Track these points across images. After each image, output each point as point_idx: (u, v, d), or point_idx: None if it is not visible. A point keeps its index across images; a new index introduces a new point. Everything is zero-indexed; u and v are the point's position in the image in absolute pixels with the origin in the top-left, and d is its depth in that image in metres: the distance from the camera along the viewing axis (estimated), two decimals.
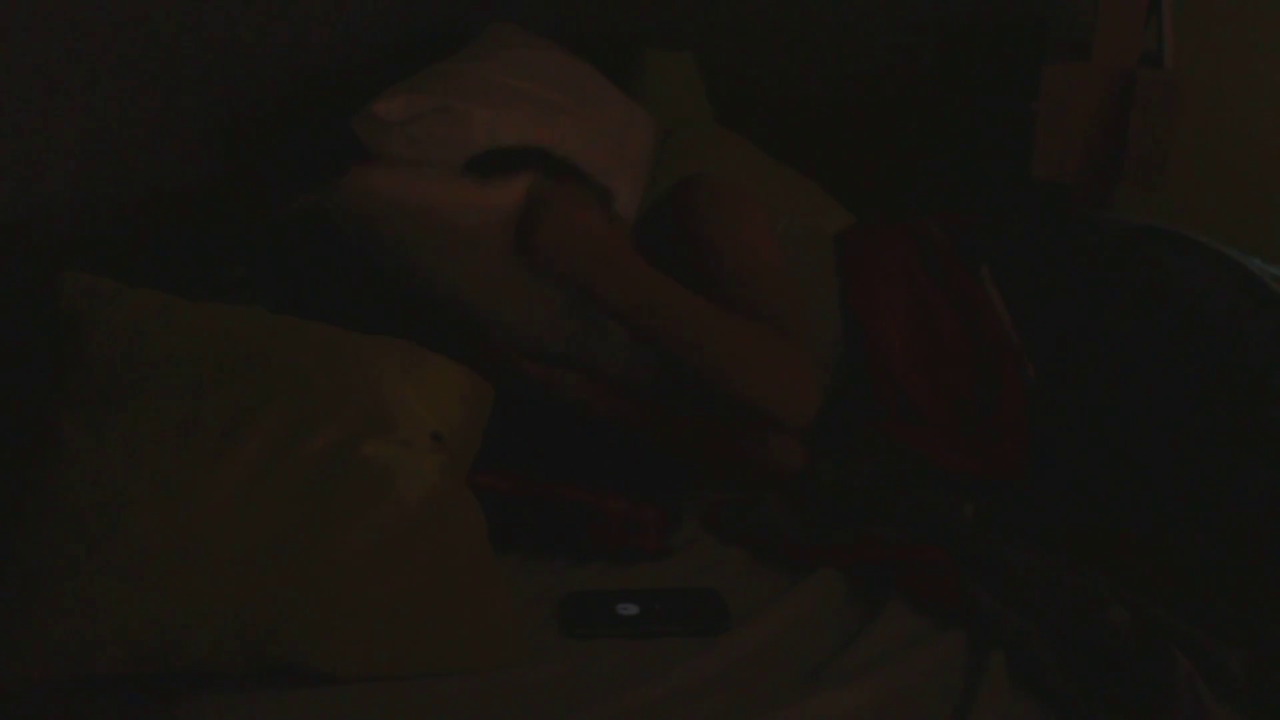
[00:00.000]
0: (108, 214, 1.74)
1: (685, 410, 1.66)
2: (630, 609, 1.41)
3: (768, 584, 1.48)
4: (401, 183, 1.63)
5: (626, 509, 1.55)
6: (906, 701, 1.29)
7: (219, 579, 1.28)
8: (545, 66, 2.26)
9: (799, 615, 1.42)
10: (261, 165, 2.02)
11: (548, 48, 2.33)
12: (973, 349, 1.67)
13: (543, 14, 2.58)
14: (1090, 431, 1.61)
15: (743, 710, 1.26)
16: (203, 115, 1.92)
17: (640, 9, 2.71)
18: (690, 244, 1.69)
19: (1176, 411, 1.57)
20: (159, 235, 1.82)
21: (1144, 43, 2.24)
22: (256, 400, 1.36)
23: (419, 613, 1.31)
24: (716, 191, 1.74)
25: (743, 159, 2.38)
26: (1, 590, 1.29)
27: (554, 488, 1.58)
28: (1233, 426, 1.53)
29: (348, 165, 1.78)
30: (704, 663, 1.33)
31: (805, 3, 2.66)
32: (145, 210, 1.81)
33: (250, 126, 2.03)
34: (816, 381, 1.60)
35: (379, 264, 1.64)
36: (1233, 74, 2.47)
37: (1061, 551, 1.51)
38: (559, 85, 2.23)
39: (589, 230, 1.59)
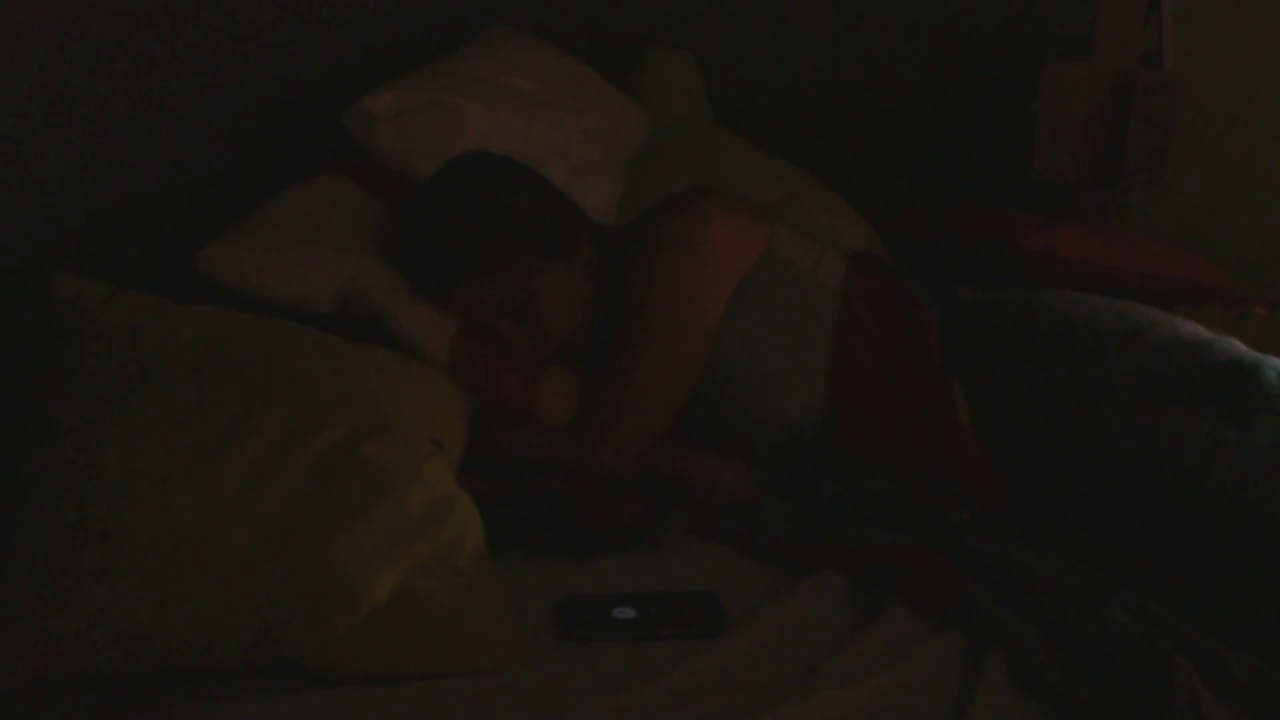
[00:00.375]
0: (101, 219, 1.73)
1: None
2: (627, 612, 1.41)
3: (765, 585, 1.48)
4: (250, 258, 1.63)
5: (608, 494, 1.56)
6: (905, 702, 1.29)
7: (219, 578, 1.28)
8: (541, 65, 2.26)
9: (797, 616, 1.42)
10: (257, 166, 2.02)
11: (544, 48, 2.33)
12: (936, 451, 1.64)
13: (542, 14, 2.58)
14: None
15: (740, 712, 1.25)
16: (198, 119, 1.92)
17: (640, 9, 2.71)
18: (638, 255, 1.68)
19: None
20: (152, 241, 1.81)
21: (1144, 43, 2.24)
22: (257, 401, 1.36)
23: (417, 614, 1.31)
24: (698, 215, 1.69)
25: (742, 159, 2.38)
26: (1, 588, 1.29)
27: (536, 482, 1.58)
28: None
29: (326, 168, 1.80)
30: (701, 664, 1.33)
31: (805, 2, 2.65)
32: (140, 214, 1.80)
33: (247, 129, 2.03)
34: (631, 443, 1.64)
35: None
36: (1233, 74, 2.47)
37: (1060, 551, 1.51)
38: (554, 83, 2.22)
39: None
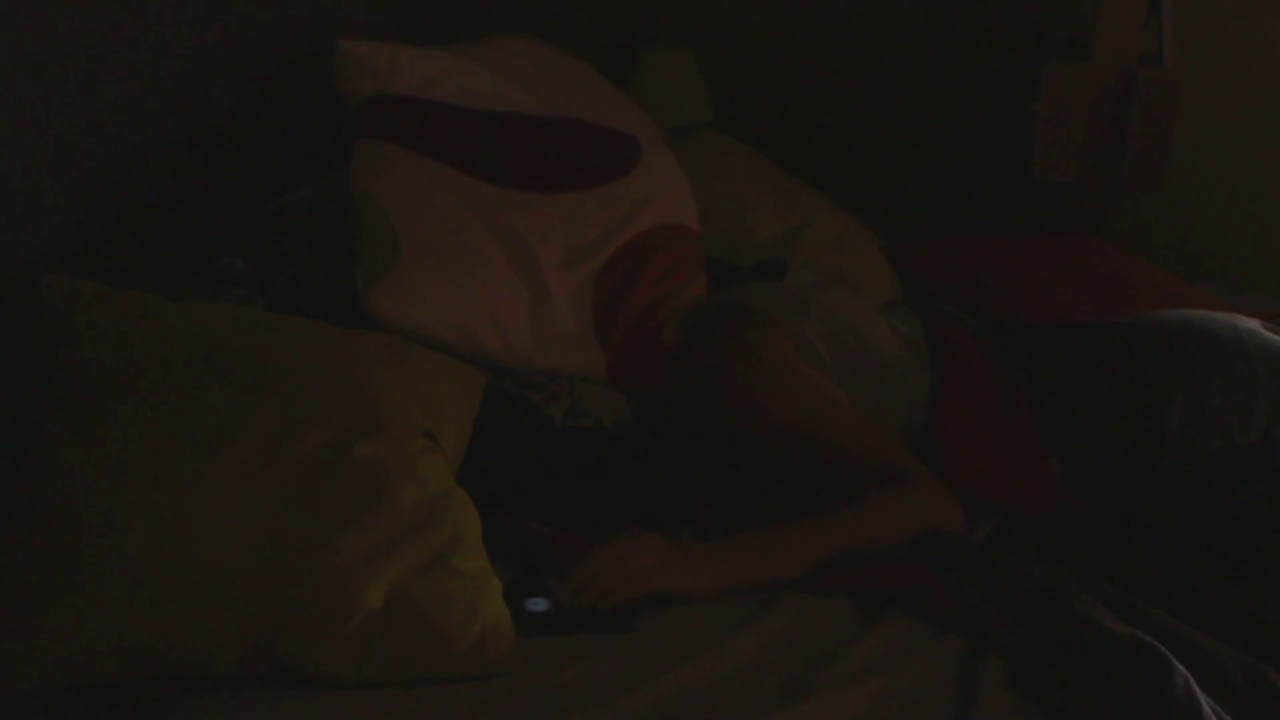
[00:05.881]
0: (106, 208, 1.73)
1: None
2: (539, 604, 1.39)
3: (762, 589, 1.47)
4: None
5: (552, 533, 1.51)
6: (903, 707, 1.28)
7: (213, 584, 1.27)
8: (547, 62, 2.25)
9: (794, 620, 1.41)
10: (257, 161, 2.03)
11: (552, 53, 2.32)
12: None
13: (542, 14, 2.58)
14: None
15: (739, 715, 1.25)
16: (197, 114, 1.92)
17: (640, 9, 2.70)
18: (727, 412, 1.69)
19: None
20: (158, 230, 1.81)
21: (1144, 43, 2.24)
22: (246, 402, 1.35)
23: (413, 619, 1.30)
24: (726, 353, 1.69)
25: (740, 160, 2.37)
26: None
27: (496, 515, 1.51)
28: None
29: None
30: (698, 668, 1.32)
31: (805, 3, 2.65)
32: (144, 204, 1.80)
33: (247, 125, 2.04)
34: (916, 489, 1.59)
35: None
36: (1233, 74, 2.47)
37: (1063, 557, 1.50)
38: (556, 82, 2.22)
39: None
